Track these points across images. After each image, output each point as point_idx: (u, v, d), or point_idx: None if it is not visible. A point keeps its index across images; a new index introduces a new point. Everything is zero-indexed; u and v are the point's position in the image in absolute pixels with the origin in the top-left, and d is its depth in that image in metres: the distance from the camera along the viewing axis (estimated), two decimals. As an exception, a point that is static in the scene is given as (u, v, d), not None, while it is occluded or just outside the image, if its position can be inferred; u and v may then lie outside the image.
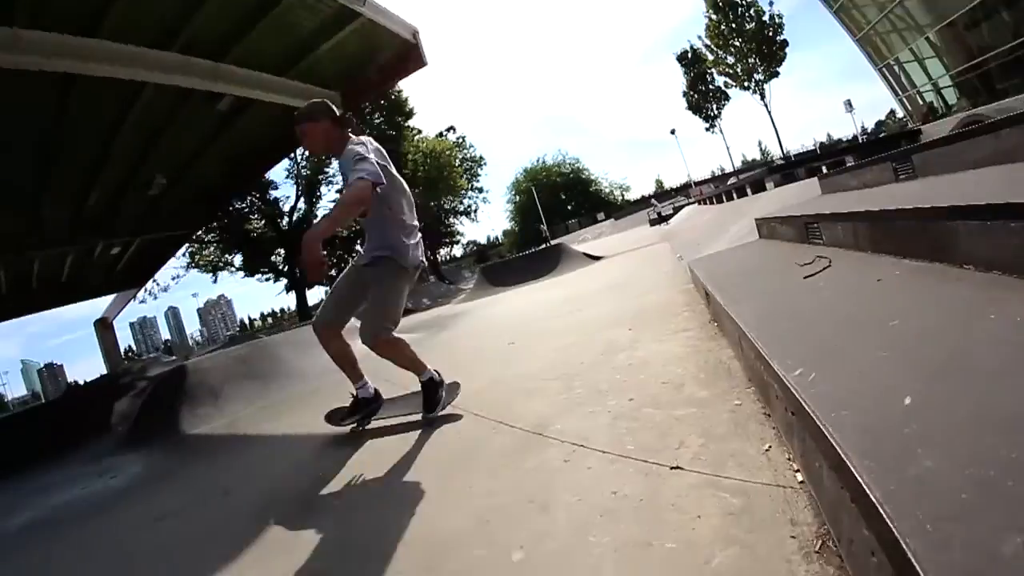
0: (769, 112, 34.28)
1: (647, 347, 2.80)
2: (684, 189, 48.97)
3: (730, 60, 34.08)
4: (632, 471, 1.53)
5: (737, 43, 33.07)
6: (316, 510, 2.00)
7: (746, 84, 34.09)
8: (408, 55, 7.14)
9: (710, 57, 35.54)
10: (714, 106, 40.33)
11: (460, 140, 35.81)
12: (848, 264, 2.27)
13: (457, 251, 46.57)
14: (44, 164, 7.45)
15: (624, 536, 1.24)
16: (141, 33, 5.49)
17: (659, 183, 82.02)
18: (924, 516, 0.72)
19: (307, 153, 23.69)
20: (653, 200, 38.58)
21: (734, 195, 12.66)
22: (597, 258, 11.01)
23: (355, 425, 2.85)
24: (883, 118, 51.89)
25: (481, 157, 37.02)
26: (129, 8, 5.13)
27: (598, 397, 2.25)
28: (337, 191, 28.01)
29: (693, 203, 23.33)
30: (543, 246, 15.47)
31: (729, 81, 35.21)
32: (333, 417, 2.95)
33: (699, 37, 36.80)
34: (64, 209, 9.38)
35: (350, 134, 2.51)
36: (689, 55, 40.13)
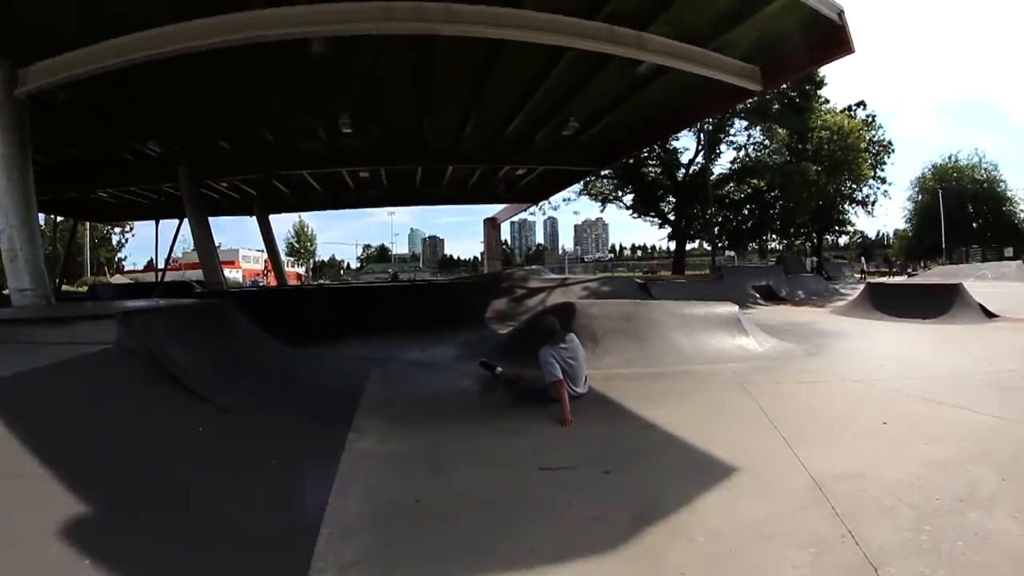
0: None
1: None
2: None
3: None
4: None
5: None
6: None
7: None
8: (833, 38, 6.67)
9: None
10: None
11: (870, 119, 30.53)
12: None
13: (841, 240, 41.84)
14: (475, 98, 9.42)
15: None
16: (565, 4, 6.30)
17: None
18: None
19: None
20: None
21: None
22: (992, 315, 8.98)
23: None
24: None
25: (890, 143, 31.03)
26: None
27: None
28: (735, 149, 29.17)
29: None
30: (933, 281, 12.63)
31: None
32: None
33: None
34: (485, 134, 11.95)
35: None
36: None
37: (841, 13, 6.35)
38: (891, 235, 58.73)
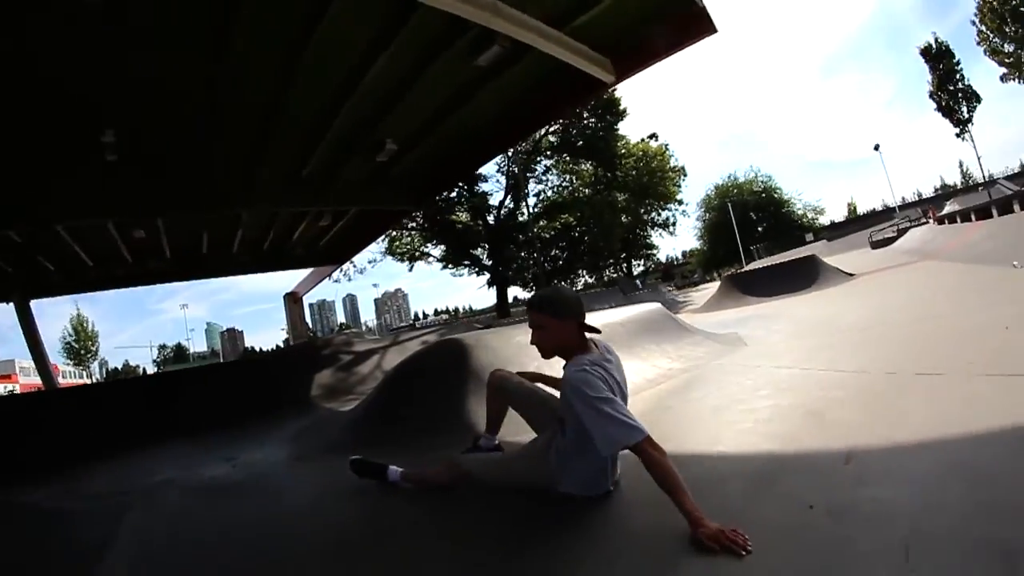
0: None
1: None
2: (911, 208, 42.02)
3: (1009, 48, 27.19)
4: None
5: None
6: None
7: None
8: (692, 19, 6.15)
9: (984, 42, 28.54)
10: (964, 108, 32.76)
11: (664, 148, 31.60)
12: None
13: (638, 268, 42.02)
14: (274, 108, 6.89)
15: None
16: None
17: (852, 207, 72.48)
18: None
19: (517, 149, 24.77)
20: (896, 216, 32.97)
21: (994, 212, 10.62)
22: (850, 275, 9.88)
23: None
24: None
25: (683, 168, 33.15)
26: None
27: None
28: (535, 194, 28.99)
29: (922, 224, 20.83)
30: (791, 258, 13.61)
31: (1007, 73, 28.15)
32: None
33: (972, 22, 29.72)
34: (284, 164, 9.03)
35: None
36: (934, 49, 33.36)
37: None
38: (680, 257, 66.25)
